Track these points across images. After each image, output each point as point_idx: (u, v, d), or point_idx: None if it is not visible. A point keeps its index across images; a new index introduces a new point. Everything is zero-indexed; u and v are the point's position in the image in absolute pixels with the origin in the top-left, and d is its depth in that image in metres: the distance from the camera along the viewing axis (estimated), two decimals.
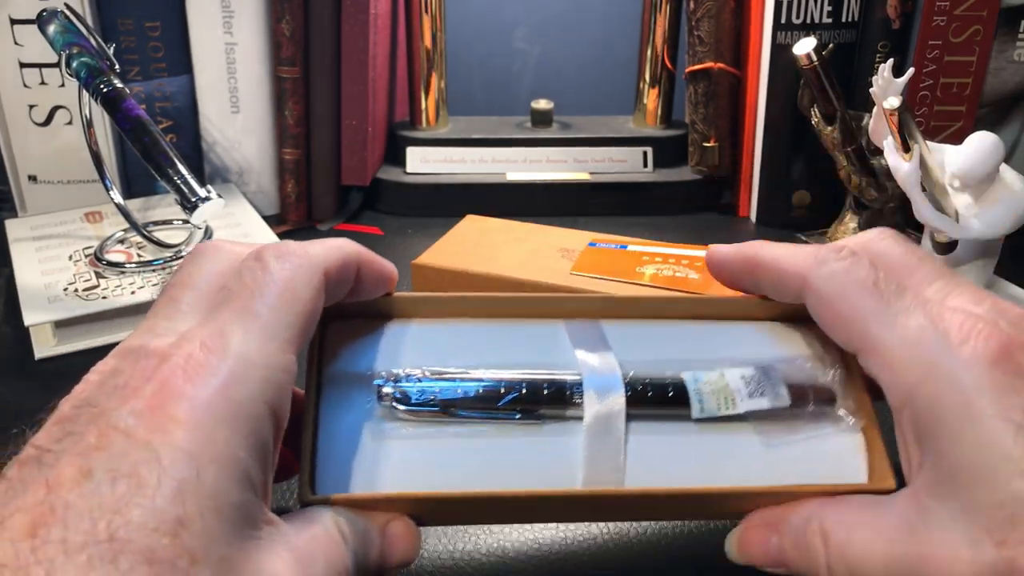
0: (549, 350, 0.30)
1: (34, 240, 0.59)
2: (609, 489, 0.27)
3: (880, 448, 0.28)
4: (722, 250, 0.31)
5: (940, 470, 0.24)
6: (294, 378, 0.23)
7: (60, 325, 0.50)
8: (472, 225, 0.61)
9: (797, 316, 0.31)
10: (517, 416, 0.28)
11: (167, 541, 0.18)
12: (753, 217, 0.74)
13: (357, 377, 0.28)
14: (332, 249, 0.26)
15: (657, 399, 0.29)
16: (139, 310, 0.51)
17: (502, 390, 0.28)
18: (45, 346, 0.50)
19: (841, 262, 0.27)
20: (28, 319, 0.49)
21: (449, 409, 0.28)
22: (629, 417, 0.28)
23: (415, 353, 0.29)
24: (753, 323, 0.32)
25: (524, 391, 0.28)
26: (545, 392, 0.28)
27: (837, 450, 0.29)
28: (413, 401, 0.27)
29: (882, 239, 0.29)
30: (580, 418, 0.28)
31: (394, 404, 0.27)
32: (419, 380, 0.28)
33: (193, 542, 0.18)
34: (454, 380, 0.28)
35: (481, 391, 0.28)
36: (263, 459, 0.21)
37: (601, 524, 0.39)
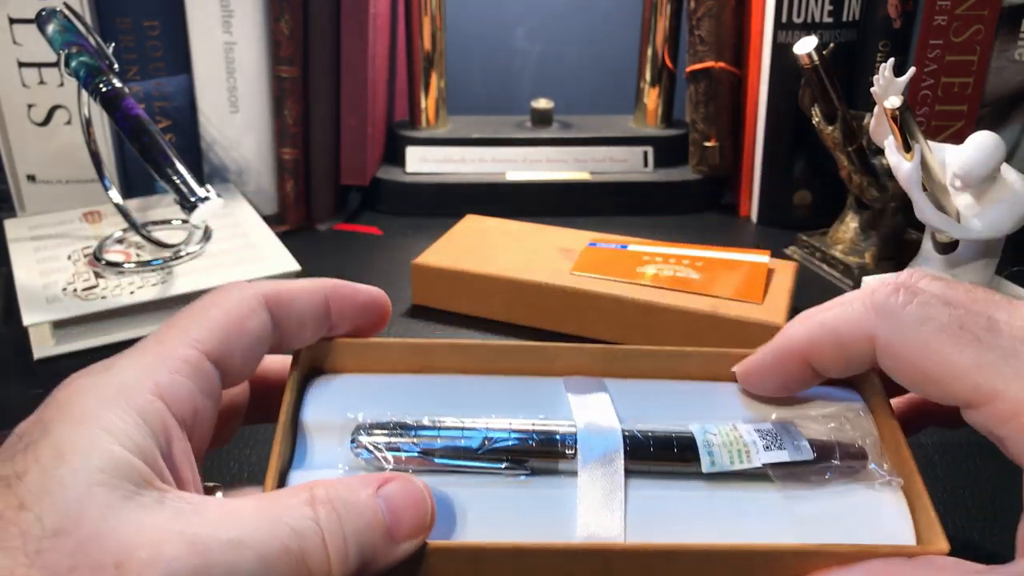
0: (543, 398, 0.28)
1: (33, 240, 0.59)
2: (610, 544, 0.24)
3: (927, 507, 0.25)
4: (752, 360, 0.28)
5: None
6: (196, 368, 0.24)
7: (59, 325, 0.50)
8: (472, 225, 0.61)
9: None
10: (503, 466, 0.26)
11: None
12: (754, 217, 0.73)
13: (334, 427, 0.27)
14: (282, 282, 0.28)
15: (661, 453, 0.26)
16: (138, 310, 0.51)
17: (486, 439, 0.26)
18: (44, 346, 0.50)
19: (910, 307, 0.24)
20: (27, 319, 0.49)
21: (429, 458, 0.26)
22: (630, 473, 0.26)
23: (397, 404, 0.28)
24: None
25: (511, 441, 0.26)
26: (534, 442, 0.26)
27: (874, 508, 0.26)
28: (388, 448, 0.26)
29: (920, 277, 0.25)
30: (574, 472, 0.26)
31: (369, 451, 0.26)
32: (398, 429, 0.26)
33: (23, 491, 0.20)
34: (435, 428, 0.26)
35: (463, 439, 0.26)
36: (141, 425, 0.22)
37: None
